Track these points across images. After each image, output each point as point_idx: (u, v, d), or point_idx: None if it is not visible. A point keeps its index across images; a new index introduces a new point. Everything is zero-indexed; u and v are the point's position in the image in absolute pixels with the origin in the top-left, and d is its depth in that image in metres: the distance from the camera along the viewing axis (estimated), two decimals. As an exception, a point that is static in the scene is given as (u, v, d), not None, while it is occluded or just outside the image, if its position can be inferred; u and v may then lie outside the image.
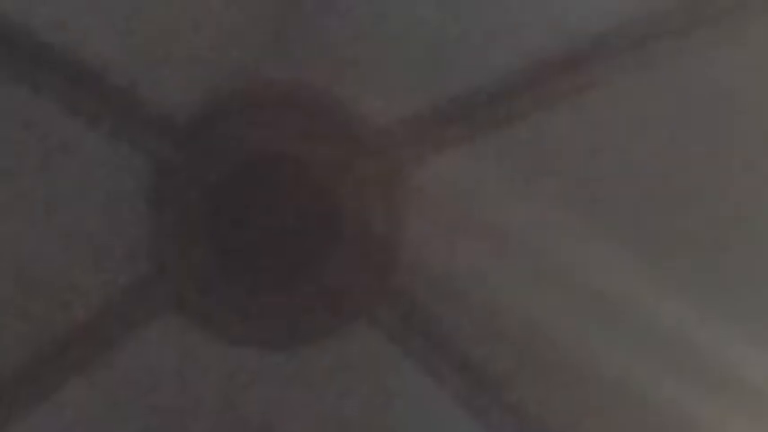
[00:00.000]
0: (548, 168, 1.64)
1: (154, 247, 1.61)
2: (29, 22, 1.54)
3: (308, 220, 1.63)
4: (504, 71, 1.59)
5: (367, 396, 1.66)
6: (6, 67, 1.55)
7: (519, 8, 1.57)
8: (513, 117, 1.61)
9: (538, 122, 1.61)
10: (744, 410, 1.63)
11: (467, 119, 1.61)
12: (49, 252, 1.61)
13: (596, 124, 1.62)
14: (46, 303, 1.62)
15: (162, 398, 1.65)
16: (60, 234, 1.61)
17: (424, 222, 1.64)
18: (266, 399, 1.66)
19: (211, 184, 1.62)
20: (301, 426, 1.67)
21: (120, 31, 1.56)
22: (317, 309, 1.64)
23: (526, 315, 1.64)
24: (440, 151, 1.62)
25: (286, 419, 1.67)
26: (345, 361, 1.65)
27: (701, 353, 1.63)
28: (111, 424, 1.65)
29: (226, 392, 1.65)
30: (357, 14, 1.57)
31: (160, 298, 1.62)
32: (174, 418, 1.66)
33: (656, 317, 1.63)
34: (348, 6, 1.57)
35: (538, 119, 1.61)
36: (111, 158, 1.60)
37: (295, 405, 1.66)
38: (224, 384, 1.65)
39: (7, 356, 1.61)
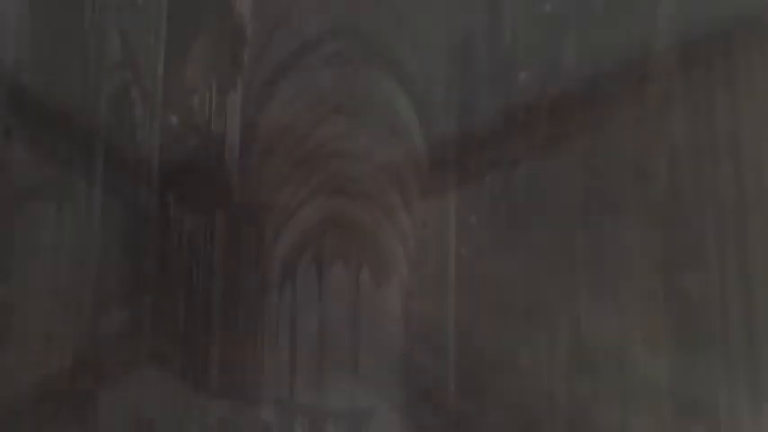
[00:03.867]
0: (540, 215, 1.59)
1: (131, 298, 1.57)
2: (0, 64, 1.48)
3: (290, 270, 1.58)
4: (495, 115, 1.55)
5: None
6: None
7: (510, 50, 1.52)
8: (504, 162, 1.57)
9: (530, 168, 1.57)
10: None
11: (456, 164, 1.56)
12: (23, 302, 1.56)
13: (590, 169, 1.57)
14: (20, 355, 1.57)
15: (140, 451, 1.62)
16: (34, 283, 1.56)
17: (411, 270, 1.59)
18: (247, 451, 1.63)
19: (190, 232, 1.57)
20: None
21: (97, 75, 1.51)
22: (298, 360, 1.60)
23: (515, 368, 1.60)
24: (428, 197, 1.58)
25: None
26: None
27: (697, 407, 1.59)
28: (87, 478, 1.62)
29: (205, 445, 1.62)
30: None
31: (138, 349, 1.59)
32: (152, 472, 1.64)
33: (650, 371, 1.59)
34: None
35: (530, 164, 1.57)
36: (87, 205, 1.55)
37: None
38: (204, 437, 1.62)
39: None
